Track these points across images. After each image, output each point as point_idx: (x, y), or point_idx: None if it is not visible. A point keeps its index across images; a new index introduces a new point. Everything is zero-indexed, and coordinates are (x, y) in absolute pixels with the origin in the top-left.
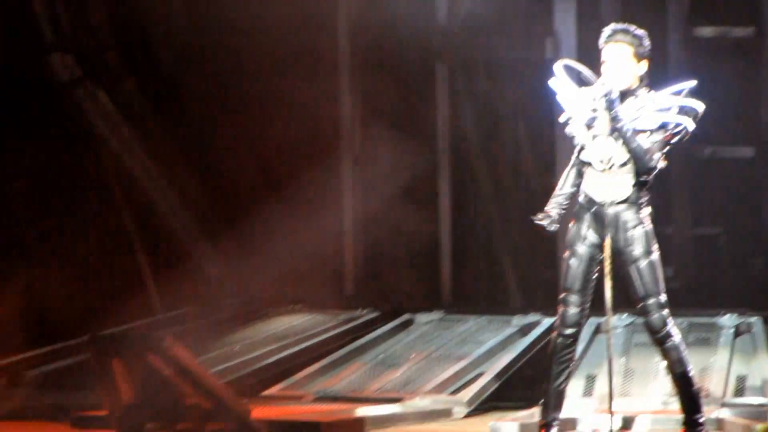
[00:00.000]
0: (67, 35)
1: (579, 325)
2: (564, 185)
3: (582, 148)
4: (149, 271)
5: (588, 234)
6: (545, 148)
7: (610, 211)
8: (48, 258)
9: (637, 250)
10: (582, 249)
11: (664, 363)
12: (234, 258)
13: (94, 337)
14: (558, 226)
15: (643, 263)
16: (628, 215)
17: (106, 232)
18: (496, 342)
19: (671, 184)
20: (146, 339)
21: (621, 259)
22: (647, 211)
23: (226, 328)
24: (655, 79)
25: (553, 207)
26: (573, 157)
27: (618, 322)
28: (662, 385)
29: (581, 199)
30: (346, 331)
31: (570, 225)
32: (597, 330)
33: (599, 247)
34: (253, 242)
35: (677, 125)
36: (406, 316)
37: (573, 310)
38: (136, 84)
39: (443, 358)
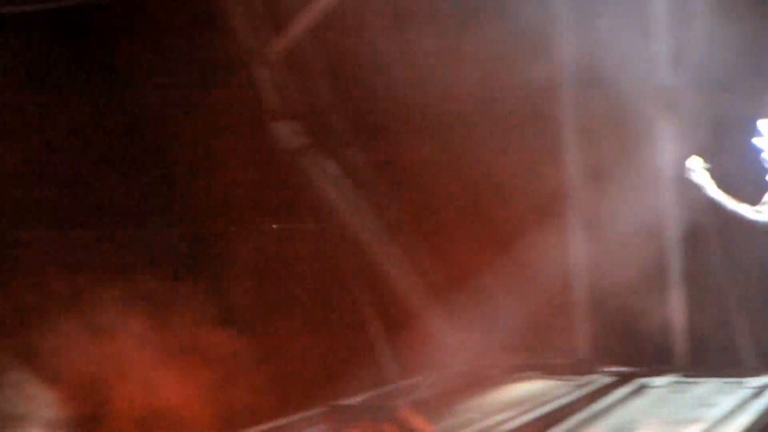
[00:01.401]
0: (292, 102)
1: None
2: None
3: None
4: (382, 339)
5: None
6: None
7: None
8: (280, 329)
9: None
10: None
11: None
12: (465, 324)
13: (330, 407)
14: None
15: None
16: None
17: (337, 300)
18: (730, 405)
19: None
20: (382, 409)
21: None
22: None
23: (460, 395)
24: None
25: None
26: None
27: None
28: None
29: None
30: (580, 396)
31: None
32: None
33: None
34: (484, 308)
35: None
36: (639, 381)
37: None
38: (361, 149)
39: (678, 423)
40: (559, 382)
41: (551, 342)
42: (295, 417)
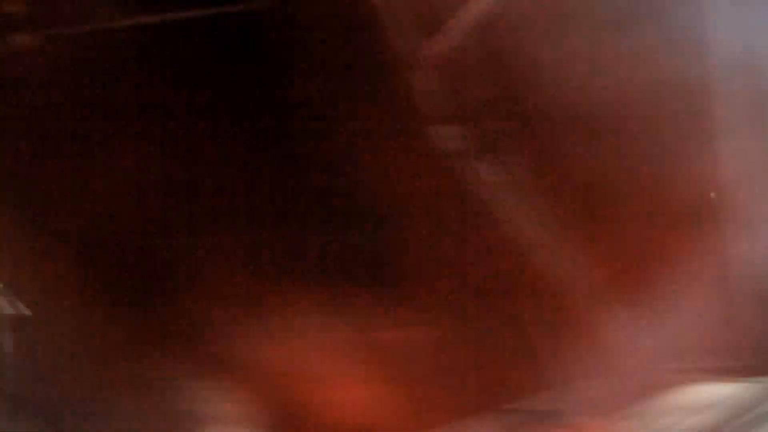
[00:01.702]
0: (455, 106)
1: None
2: None
3: None
4: (550, 343)
5: None
6: None
7: None
8: (449, 334)
9: None
10: None
11: None
12: (633, 328)
13: (499, 411)
14: None
15: None
16: None
17: (504, 304)
18: None
19: None
20: (553, 413)
21: None
22: None
23: (630, 399)
24: None
25: None
26: None
27: None
28: None
29: None
30: (753, 398)
31: None
32: None
33: None
34: (651, 311)
35: None
36: None
37: None
38: (522, 152)
39: None
40: (729, 384)
41: (720, 344)
42: (463, 422)
